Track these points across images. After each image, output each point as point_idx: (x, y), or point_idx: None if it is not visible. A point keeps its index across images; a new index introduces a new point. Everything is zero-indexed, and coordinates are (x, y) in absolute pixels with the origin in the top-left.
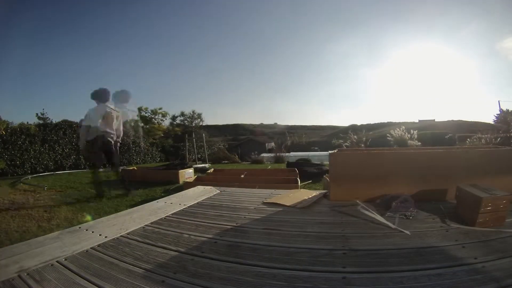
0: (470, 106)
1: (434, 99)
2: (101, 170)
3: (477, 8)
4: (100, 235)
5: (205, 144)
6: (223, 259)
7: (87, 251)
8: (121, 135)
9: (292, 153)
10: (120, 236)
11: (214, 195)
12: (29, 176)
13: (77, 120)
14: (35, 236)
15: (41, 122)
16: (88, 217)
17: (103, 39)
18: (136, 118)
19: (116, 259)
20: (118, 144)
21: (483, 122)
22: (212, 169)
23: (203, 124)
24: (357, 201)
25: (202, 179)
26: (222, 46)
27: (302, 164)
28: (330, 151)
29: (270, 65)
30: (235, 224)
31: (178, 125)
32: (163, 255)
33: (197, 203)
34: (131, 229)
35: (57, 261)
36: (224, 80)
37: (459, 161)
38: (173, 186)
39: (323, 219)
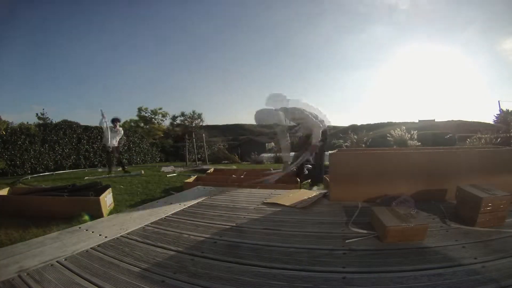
0: (470, 106)
1: (434, 99)
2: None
3: (479, 9)
4: (100, 235)
5: (205, 144)
6: (223, 259)
7: (87, 251)
8: None
9: (292, 153)
10: (120, 236)
11: (213, 195)
12: (29, 176)
13: (76, 120)
14: (35, 236)
15: (41, 122)
16: (86, 217)
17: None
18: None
19: (116, 259)
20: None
21: (483, 122)
22: (212, 169)
23: (203, 124)
24: (358, 201)
25: (202, 179)
26: (223, 46)
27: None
28: (330, 151)
29: (270, 65)
30: (234, 224)
31: (178, 125)
32: (163, 255)
33: (197, 203)
34: (131, 229)
35: (57, 261)
36: (225, 80)
37: (459, 161)
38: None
39: (323, 219)
